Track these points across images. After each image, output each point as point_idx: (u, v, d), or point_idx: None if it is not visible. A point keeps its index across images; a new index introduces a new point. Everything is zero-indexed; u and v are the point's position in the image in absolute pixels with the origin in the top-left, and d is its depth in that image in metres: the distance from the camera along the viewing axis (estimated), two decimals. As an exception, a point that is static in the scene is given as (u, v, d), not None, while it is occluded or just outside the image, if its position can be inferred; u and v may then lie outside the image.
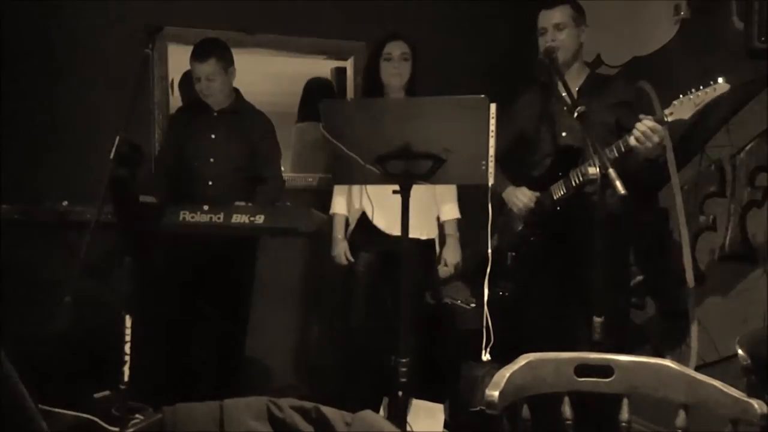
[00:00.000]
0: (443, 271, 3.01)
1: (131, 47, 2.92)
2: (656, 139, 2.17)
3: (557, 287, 2.60)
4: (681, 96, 2.18)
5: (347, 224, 3.08)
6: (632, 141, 2.21)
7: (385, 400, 2.86)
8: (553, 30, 2.54)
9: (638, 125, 2.19)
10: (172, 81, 3.60)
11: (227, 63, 2.94)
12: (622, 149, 2.25)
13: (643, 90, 3.02)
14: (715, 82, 2.13)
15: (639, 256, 3.09)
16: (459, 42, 3.78)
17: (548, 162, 2.61)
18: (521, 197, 2.61)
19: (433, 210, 3.03)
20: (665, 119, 2.20)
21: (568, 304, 2.57)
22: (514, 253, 2.66)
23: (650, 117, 2.20)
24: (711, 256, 2.79)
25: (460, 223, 3.04)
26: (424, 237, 2.96)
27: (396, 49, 2.90)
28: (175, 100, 3.47)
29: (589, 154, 2.45)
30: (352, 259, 3.02)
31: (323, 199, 3.14)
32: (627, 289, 3.03)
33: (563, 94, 2.54)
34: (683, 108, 2.18)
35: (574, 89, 2.53)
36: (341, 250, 3.02)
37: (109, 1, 3.25)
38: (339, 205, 3.07)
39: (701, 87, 2.15)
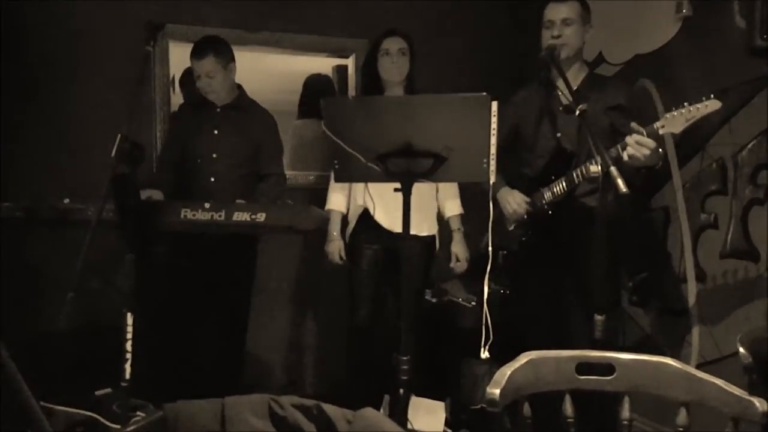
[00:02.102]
0: (457, 266, 3.04)
1: (132, 45, 2.91)
2: (647, 152, 2.18)
3: (551, 286, 2.61)
4: (673, 109, 2.21)
5: (346, 222, 3.07)
6: (625, 156, 2.22)
7: (387, 398, 2.87)
8: (561, 24, 2.53)
9: (628, 140, 2.20)
10: (173, 78, 3.60)
11: (227, 59, 2.94)
12: (615, 156, 2.26)
13: (645, 89, 3.03)
14: (708, 98, 2.15)
15: (640, 254, 3.09)
16: (460, 38, 3.78)
17: (542, 162, 2.61)
18: (512, 202, 2.62)
19: (433, 206, 3.03)
20: (657, 132, 2.21)
21: (562, 303, 2.58)
22: (505, 252, 2.67)
23: (641, 130, 2.21)
24: (712, 254, 2.79)
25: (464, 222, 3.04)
26: (424, 233, 2.96)
27: (393, 44, 2.90)
28: (176, 98, 3.47)
29: (585, 156, 2.45)
30: (345, 258, 3.02)
31: (321, 197, 3.14)
32: (619, 287, 3.04)
33: (563, 92, 2.55)
34: (675, 121, 2.20)
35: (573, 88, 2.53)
36: (335, 249, 3.02)
37: (110, -1, 3.26)
38: (336, 201, 3.06)
39: (693, 102, 2.16)
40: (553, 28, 2.54)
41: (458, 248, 3.03)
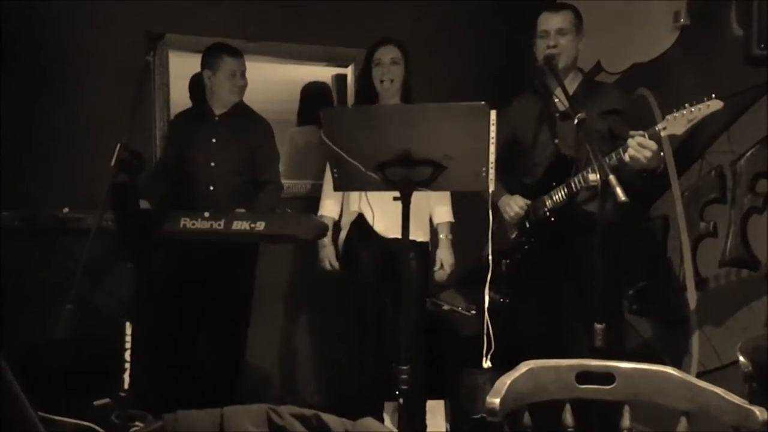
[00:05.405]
0: (439, 274, 2.99)
1: (132, 54, 2.92)
2: (649, 153, 2.18)
3: (551, 294, 2.60)
4: (675, 111, 2.20)
5: (338, 228, 3.07)
6: (626, 158, 2.23)
7: (388, 407, 2.86)
8: (555, 34, 2.54)
9: (630, 142, 2.20)
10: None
11: None
12: (615, 161, 2.26)
13: (644, 97, 3.03)
14: (710, 98, 2.14)
15: (640, 262, 3.09)
16: (458, 47, 3.80)
17: (541, 170, 2.62)
18: (513, 206, 2.62)
19: (426, 213, 3.02)
20: (659, 134, 2.21)
21: (563, 311, 2.57)
22: (507, 261, 2.66)
23: (642, 132, 2.21)
24: (712, 262, 2.78)
25: (458, 229, 3.03)
26: (419, 239, 2.95)
27: (385, 54, 2.91)
28: (176, 107, 3.47)
29: (584, 162, 2.46)
30: (337, 265, 3.02)
31: (316, 206, 3.14)
32: (621, 295, 3.03)
33: (556, 101, 2.56)
34: (676, 123, 2.19)
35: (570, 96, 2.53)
36: (326, 255, 3.03)
37: (109, 8, 3.26)
38: (328, 207, 3.06)
39: (695, 102, 2.16)
40: (548, 38, 2.55)
41: (444, 254, 2.97)
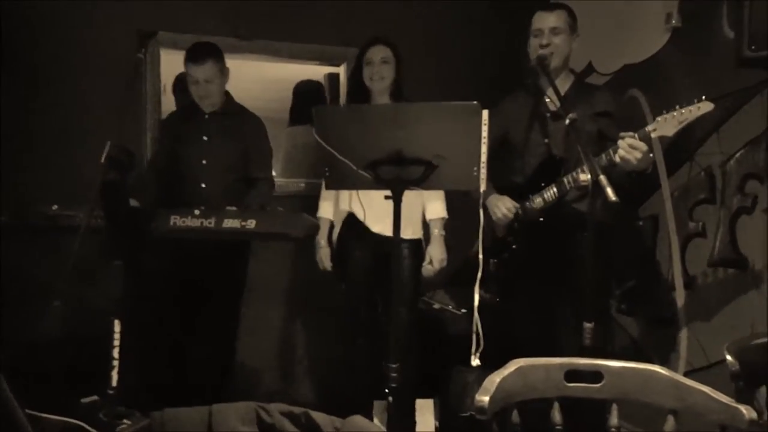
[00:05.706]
0: (427, 269, 2.97)
1: (124, 52, 2.92)
2: (639, 155, 2.19)
3: (541, 293, 2.61)
4: (665, 112, 2.21)
5: (332, 226, 3.07)
6: (617, 159, 2.24)
7: (378, 406, 2.86)
8: (549, 33, 2.55)
9: (621, 143, 2.21)
10: (165, 86, 3.59)
11: (222, 65, 2.96)
12: (605, 162, 2.27)
13: (635, 98, 3.05)
14: (700, 100, 2.15)
15: (629, 262, 3.11)
16: (452, 47, 3.80)
17: (531, 169, 2.62)
18: (501, 207, 2.62)
19: (419, 210, 3.02)
20: (649, 135, 2.22)
21: (552, 310, 2.58)
22: (496, 260, 2.66)
23: (633, 134, 2.22)
24: (700, 262, 2.80)
25: (450, 227, 3.02)
26: (409, 236, 2.94)
27: (376, 53, 2.92)
28: (167, 105, 3.46)
29: (574, 162, 2.46)
30: (330, 266, 3.03)
31: (312, 204, 3.14)
32: (609, 294, 3.04)
33: (547, 101, 2.57)
34: (667, 125, 2.20)
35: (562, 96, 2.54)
36: (322, 256, 3.04)
37: (109, 8, 3.25)
38: (325, 209, 3.08)
39: (685, 104, 2.17)
40: (541, 36, 2.56)
41: (434, 250, 2.95)
